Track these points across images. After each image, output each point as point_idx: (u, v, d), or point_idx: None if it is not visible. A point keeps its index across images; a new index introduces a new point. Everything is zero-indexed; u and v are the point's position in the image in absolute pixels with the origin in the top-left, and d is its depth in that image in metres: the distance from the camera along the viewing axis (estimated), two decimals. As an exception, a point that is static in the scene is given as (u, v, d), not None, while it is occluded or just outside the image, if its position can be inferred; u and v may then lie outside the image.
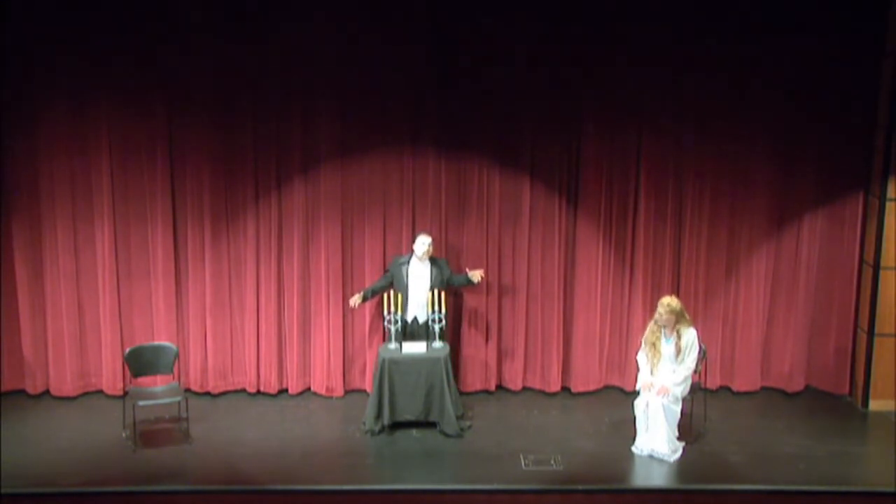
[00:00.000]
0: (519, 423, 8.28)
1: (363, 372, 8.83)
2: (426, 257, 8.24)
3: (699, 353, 7.60)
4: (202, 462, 7.47)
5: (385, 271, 8.50)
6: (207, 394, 8.77)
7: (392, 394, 7.90)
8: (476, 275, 8.35)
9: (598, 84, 8.40)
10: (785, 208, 8.71)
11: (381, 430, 7.92)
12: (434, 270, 8.27)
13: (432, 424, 7.98)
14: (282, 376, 8.86)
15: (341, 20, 8.22)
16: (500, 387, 8.97)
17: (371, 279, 8.61)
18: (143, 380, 8.11)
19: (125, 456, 7.54)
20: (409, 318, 8.30)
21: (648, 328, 7.66)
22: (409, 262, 8.29)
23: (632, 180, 8.63)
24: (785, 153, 8.56)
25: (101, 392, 8.76)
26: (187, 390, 8.50)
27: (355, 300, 8.34)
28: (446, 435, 7.89)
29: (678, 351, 7.47)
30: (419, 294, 8.25)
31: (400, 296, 8.17)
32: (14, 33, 8.07)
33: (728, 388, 8.99)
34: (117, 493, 7.00)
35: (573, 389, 8.93)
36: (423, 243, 8.22)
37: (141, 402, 7.70)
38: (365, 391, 8.72)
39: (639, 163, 8.59)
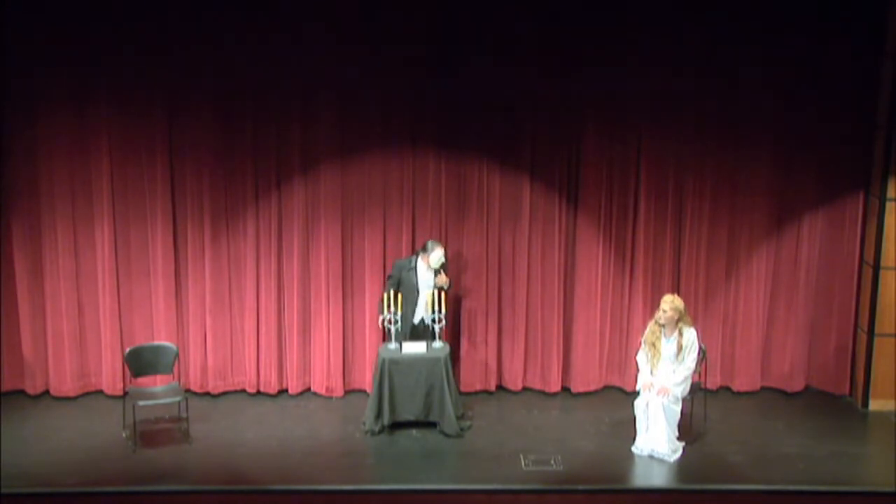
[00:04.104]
0: (519, 423, 8.27)
1: (363, 372, 8.83)
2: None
3: (699, 353, 7.60)
4: (202, 462, 7.47)
5: (389, 277, 8.39)
6: (207, 394, 8.76)
7: (392, 394, 7.90)
8: (441, 280, 8.18)
9: (598, 84, 8.39)
10: (785, 208, 8.70)
11: (381, 430, 7.92)
12: (433, 273, 8.27)
13: (432, 424, 7.98)
14: (282, 376, 8.85)
15: (341, 20, 8.21)
16: (500, 387, 8.97)
17: (371, 279, 8.63)
18: (143, 380, 8.12)
19: (125, 456, 7.54)
20: (416, 321, 8.30)
21: (648, 328, 7.66)
22: (415, 268, 8.27)
23: (632, 180, 8.63)
24: (785, 153, 8.56)
25: (101, 392, 8.75)
26: (187, 390, 8.49)
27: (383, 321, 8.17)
28: (446, 435, 7.89)
29: (678, 350, 7.47)
30: (425, 297, 8.24)
31: (402, 298, 8.11)
32: (14, 33, 8.05)
33: (728, 388, 8.98)
34: (117, 493, 7.00)
35: (573, 389, 8.92)
36: (439, 258, 8.14)
37: (141, 402, 7.71)
38: (365, 391, 8.72)
39: (639, 163, 8.59)
